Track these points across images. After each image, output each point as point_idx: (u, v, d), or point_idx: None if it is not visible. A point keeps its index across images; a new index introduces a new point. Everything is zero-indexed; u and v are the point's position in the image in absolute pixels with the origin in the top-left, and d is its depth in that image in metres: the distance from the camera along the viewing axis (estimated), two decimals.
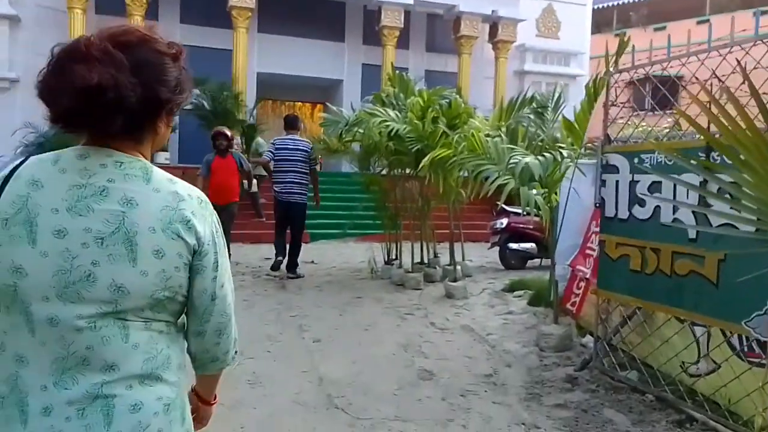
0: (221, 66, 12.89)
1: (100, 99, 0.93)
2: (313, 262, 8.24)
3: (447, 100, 6.04)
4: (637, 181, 3.58)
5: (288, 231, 6.78)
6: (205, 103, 12.21)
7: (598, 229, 4.29)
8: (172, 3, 13.59)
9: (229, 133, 7.27)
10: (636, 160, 3.58)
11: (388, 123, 5.59)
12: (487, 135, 4.79)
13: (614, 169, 3.71)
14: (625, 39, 3.70)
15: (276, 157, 6.65)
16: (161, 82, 1.02)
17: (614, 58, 3.67)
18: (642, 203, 3.52)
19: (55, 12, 12.03)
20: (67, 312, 0.96)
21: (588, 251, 4.60)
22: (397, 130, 5.53)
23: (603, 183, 3.81)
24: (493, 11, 14.69)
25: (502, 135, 4.69)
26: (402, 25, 14.02)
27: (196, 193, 1.08)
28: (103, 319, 0.98)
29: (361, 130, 5.68)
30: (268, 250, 7.53)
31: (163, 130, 1.11)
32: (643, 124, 5.16)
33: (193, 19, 13.73)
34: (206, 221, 1.07)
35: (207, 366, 1.19)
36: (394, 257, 7.16)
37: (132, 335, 1.01)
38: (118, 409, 0.98)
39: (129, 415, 0.99)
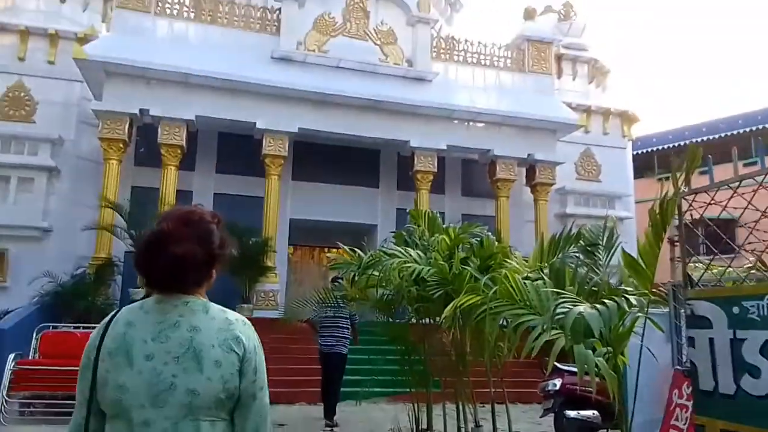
0: (254, 213, 12.71)
1: (183, 266, 1.50)
2: (334, 428, 7.08)
3: (478, 239, 5.22)
4: (742, 340, 2.54)
5: None
6: (233, 250, 11.77)
7: (684, 401, 3.14)
8: (208, 154, 13.87)
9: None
10: (736, 310, 2.57)
11: (408, 264, 4.75)
12: (526, 278, 3.87)
13: (705, 323, 2.71)
14: (696, 152, 2.88)
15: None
16: (213, 245, 1.58)
17: (684, 173, 2.82)
18: (756, 372, 2.45)
19: (93, 164, 12.31)
20: (157, 415, 1.41)
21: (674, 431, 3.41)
22: (419, 273, 4.67)
23: (690, 341, 2.77)
24: (528, 155, 14.42)
25: (545, 277, 3.75)
26: (436, 170, 13.80)
27: (241, 317, 1.59)
28: (183, 420, 1.42)
29: (376, 273, 4.85)
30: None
31: (214, 276, 1.63)
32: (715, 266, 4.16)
33: (227, 169, 13.90)
34: (250, 338, 1.55)
35: None
36: (425, 428, 5.92)
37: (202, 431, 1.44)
38: None
39: None
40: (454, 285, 4.54)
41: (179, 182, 12.52)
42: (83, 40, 12.64)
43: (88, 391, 1.48)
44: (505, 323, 3.78)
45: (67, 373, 7.41)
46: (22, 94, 12.63)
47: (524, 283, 3.62)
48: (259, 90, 12.47)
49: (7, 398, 7.26)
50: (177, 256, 1.48)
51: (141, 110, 11.90)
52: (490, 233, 5.38)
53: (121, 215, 11.36)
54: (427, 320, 5.76)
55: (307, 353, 10.28)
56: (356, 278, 5.26)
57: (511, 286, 3.50)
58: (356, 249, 5.58)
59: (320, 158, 14.53)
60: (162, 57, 11.94)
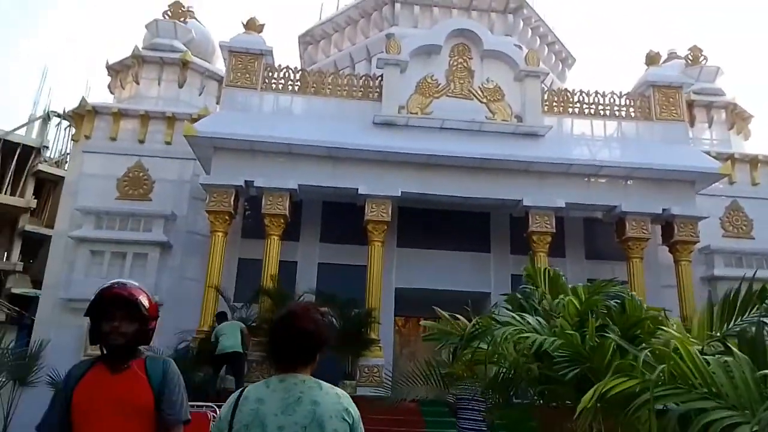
0: (358, 283, 12.05)
1: (306, 342, 2.00)
2: None
3: (617, 301, 3.99)
4: None
5: None
6: (334, 321, 11.08)
7: None
8: (313, 224, 13.60)
9: None
10: None
11: (526, 335, 3.63)
12: (701, 352, 2.65)
13: None
14: None
15: None
16: (323, 330, 2.05)
17: None
18: None
19: (203, 238, 12.41)
20: None
21: None
22: (541, 345, 3.52)
23: None
24: (664, 210, 12.62)
25: (737, 352, 2.50)
26: (553, 230, 12.43)
27: (343, 392, 2.03)
28: None
29: (484, 346, 3.77)
30: None
31: (317, 359, 2.06)
32: None
33: (331, 238, 13.52)
34: (355, 410, 1.98)
35: None
36: None
37: None
38: None
39: None
40: (591, 362, 3.34)
41: (285, 253, 12.25)
42: (197, 120, 13.17)
43: None
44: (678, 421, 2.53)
45: None
46: (141, 174, 13.26)
47: (705, 360, 2.41)
48: (360, 156, 12.12)
49: None
50: (303, 330, 1.98)
51: (246, 182, 11.92)
52: (633, 293, 4.13)
53: (221, 294, 11.20)
54: (556, 403, 4.51)
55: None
56: (458, 352, 4.17)
57: (688, 366, 2.30)
58: (458, 315, 4.53)
59: (426, 223, 13.76)
60: (266, 129, 12.03)
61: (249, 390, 1.95)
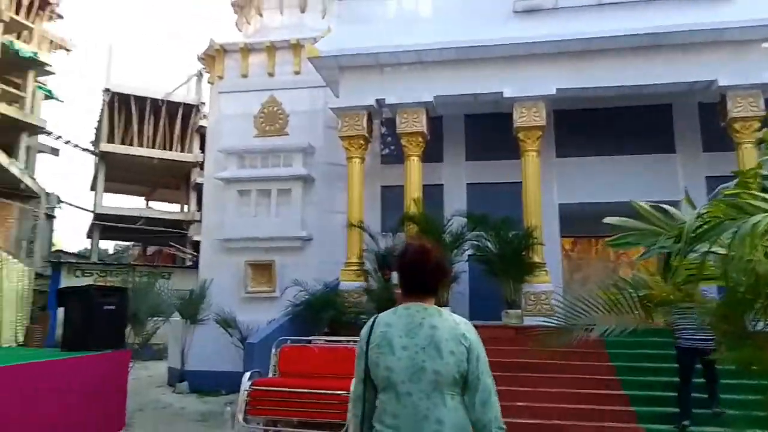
0: (513, 202, 10.61)
1: (434, 272, 2.21)
2: None
3: None
4: None
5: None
6: (489, 245, 9.84)
7: None
8: (456, 142, 12.25)
9: None
10: None
11: None
12: None
13: None
14: None
15: None
16: (447, 265, 2.34)
17: None
18: None
19: (342, 168, 11.73)
20: (415, 388, 2.05)
21: None
22: None
23: None
24: None
25: None
26: (764, 113, 9.70)
27: (463, 320, 2.18)
28: (433, 392, 2.04)
29: (717, 249, 2.27)
30: None
31: (439, 290, 2.29)
32: None
33: (478, 155, 12.10)
34: (471, 334, 2.14)
35: (483, 430, 2.08)
36: None
37: (447, 402, 2.05)
38: None
39: None
40: None
41: (429, 176, 11.15)
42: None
43: (361, 371, 2.20)
44: None
45: (303, 397, 6.36)
46: (275, 109, 12.86)
47: None
48: (502, 53, 10.35)
49: (244, 423, 6.51)
50: (432, 264, 2.21)
51: (377, 101, 10.87)
52: None
53: (358, 226, 10.46)
54: None
55: (596, 373, 7.70)
56: (671, 260, 2.63)
57: None
58: (665, 207, 2.99)
59: (589, 126, 11.71)
60: (392, 39, 10.77)
61: (380, 317, 2.25)
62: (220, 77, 13.43)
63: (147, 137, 26.57)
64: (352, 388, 2.36)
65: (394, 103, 10.72)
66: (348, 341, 7.55)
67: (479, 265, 10.08)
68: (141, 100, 26.29)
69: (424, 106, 10.68)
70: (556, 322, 5.57)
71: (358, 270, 10.51)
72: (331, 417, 6.29)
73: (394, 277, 7.45)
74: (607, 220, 3.46)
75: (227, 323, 10.98)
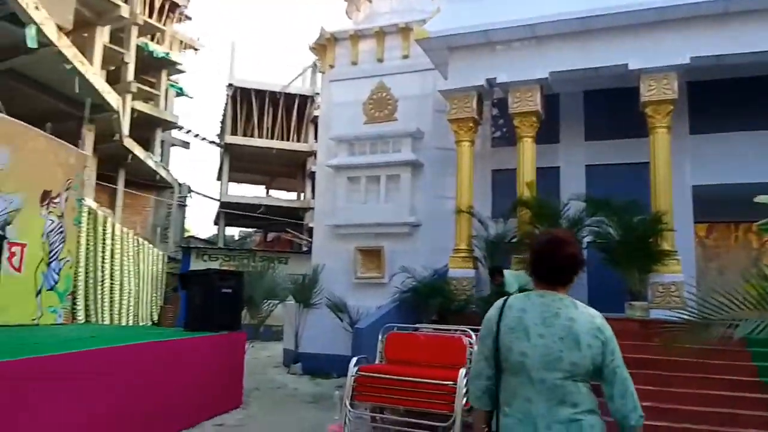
0: (638, 185, 9.72)
1: (569, 264, 2.23)
2: None
3: None
4: None
5: None
6: (611, 231, 9.07)
7: None
8: (574, 121, 11.43)
9: None
10: None
11: None
12: None
13: None
14: None
15: None
16: (582, 255, 2.28)
17: None
18: None
19: (451, 152, 11.39)
20: (549, 375, 2.09)
21: None
22: None
23: None
24: None
25: None
26: None
27: (599, 313, 2.22)
28: (567, 380, 2.09)
29: None
30: None
31: (574, 281, 2.27)
32: None
33: (599, 135, 11.20)
34: (606, 329, 2.17)
35: (622, 423, 2.14)
36: None
37: (581, 389, 2.11)
38: (584, 426, 2.08)
39: (590, 429, 2.08)
40: None
41: (544, 158, 10.52)
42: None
43: (488, 351, 2.25)
44: None
45: (408, 385, 6.21)
46: (384, 94, 12.79)
47: None
48: (626, 20, 9.42)
49: (351, 408, 6.48)
50: (568, 254, 2.22)
51: (488, 80, 10.37)
52: None
53: (467, 212, 10.08)
54: None
55: (733, 372, 6.80)
56: None
57: None
58: None
59: (730, 98, 10.41)
60: (504, 15, 10.21)
61: (512, 300, 2.27)
62: (331, 66, 13.59)
63: (266, 128, 27.85)
64: (473, 364, 2.41)
65: (506, 82, 10.18)
66: (456, 330, 7.29)
67: (599, 253, 9.32)
68: (261, 94, 27.56)
69: (538, 84, 10.03)
70: (688, 316, 4.92)
71: (467, 257, 10.17)
72: (437, 407, 6.08)
73: (510, 281, 6.94)
74: (759, 198, 2.92)
75: (338, 308, 11.15)
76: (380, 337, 7.29)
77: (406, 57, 12.79)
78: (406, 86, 12.61)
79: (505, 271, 8.93)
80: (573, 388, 2.09)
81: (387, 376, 6.36)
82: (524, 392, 2.12)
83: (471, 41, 10.39)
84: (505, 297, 2.31)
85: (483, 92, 10.65)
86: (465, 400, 5.99)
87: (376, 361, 7.13)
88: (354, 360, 6.69)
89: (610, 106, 10.97)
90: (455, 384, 5.96)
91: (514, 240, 9.92)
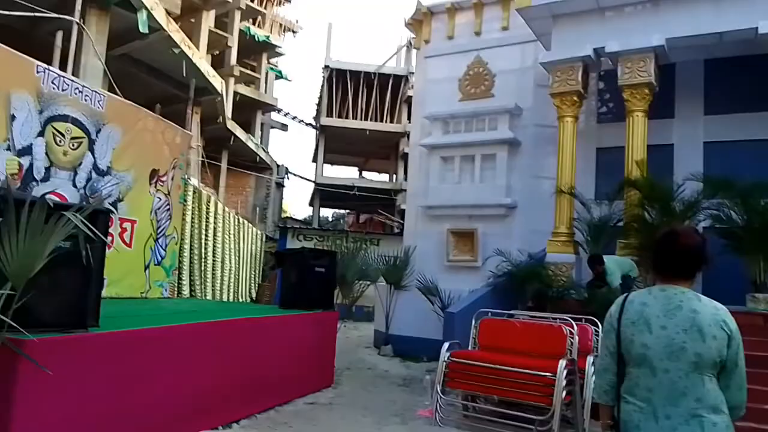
0: (762, 164, 8.68)
1: (689, 256, 2.25)
2: None
3: None
4: None
5: None
6: (734, 215, 8.14)
7: None
8: (692, 93, 10.36)
9: None
10: None
11: None
12: None
13: None
14: None
15: None
16: (705, 250, 2.28)
17: None
18: None
19: (552, 129, 10.74)
20: (673, 367, 2.12)
21: None
22: None
23: None
24: None
25: None
26: None
27: (723, 306, 2.21)
28: (692, 372, 2.10)
29: None
30: None
31: (696, 276, 2.29)
32: None
33: (719, 108, 10.09)
34: (731, 322, 2.17)
35: (733, 413, 2.16)
36: None
37: (706, 383, 2.11)
38: (706, 424, 2.07)
39: (712, 427, 2.07)
40: None
41: (655, 135, 9.63)
42: None
43: (612, 346, 2.32)
44: None
45: (503, 374, 5.91)
46: (481, 70, 12.26)
47: None
48: None
49: (442, 395, 6.28)
50: (688, 248, 2.25)
51: (595, 50, 9.59)
52: None
53: (567, 192, 9.44)
54: None
55: None
56: None
57: None
58: None
59: None
60: None
61: (633, 295, 2.34)
62: (426, 41, 13.24)
63: (360, 110, 28.00)
64: (598, 360, 2.53)
65: (616, 51, 9.34)
66: (554, 318, 6.86)
67: (717, 239, 8.41)
68: (355, 75, 27.69)
69: (652, 52, 9.13)
70: None
71: (566, 240, 9.58)
72: (535, 399, 5.74)
73: (612, 268, 6.33)
74: None
75: (429, 290, 10.94)
76: (474, 322, 7.00)
77: (505, 29, 12.17)
78: (504, 60, 12.02)
79: (606, 258, 8.28)
80: (697, 381, 2.11)
81: (481, 364, 6.08)
82: (646, 383, 2.18)
83: (577, 7, 9.63)
84: (626, 294, 2.39)
85: (589, 63, 9.89)
86: (564, 393, 5.62)
87: (469, 348, 6.86)
88: (446, 345, 6.47)
89: (737, 76, 9.83)
90: (554, 376, 5.58)
91: (620, 223, 9.20)
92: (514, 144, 11.49)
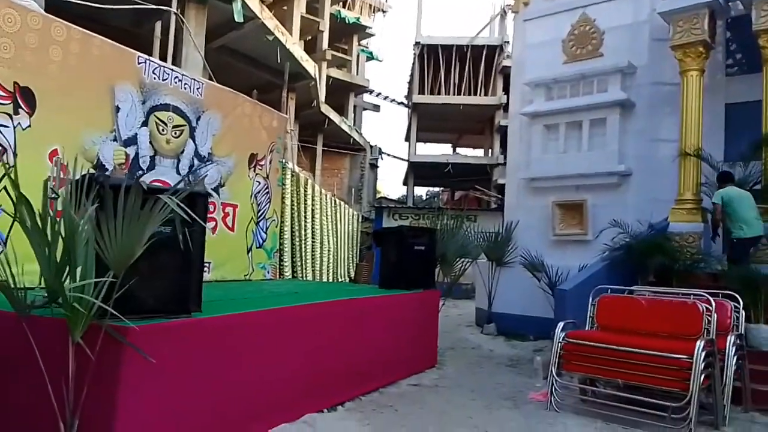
0: None
1: None
2: None
3: None
4: None
5: None
6: None
7: None
8: None
9: None
10: None
11: None
12: None
13: None
14: None
15: None
16: None
17: None
18: None
19: (672, 87, 9.65)
20: None
21: None
22: None
23: None
24: None
25: None
26: None
27: None
28: None
29: None
30: None
31: None
32: None
33: None
34: None
35: None
36: None
37: None
38: None
39: None
40: None
41: None
42: None
43: None
44: None
45: (628, 356, 5.33)
46: (587, 27, 11.24)
47: None
48: None
49: (557, 378, 5.77)
50: None
51: None
52: None
53: (693, 155, 8.41)
54: None
55: None
56: None
57: None
58: None
59: None
60: None
61: None
62: (525, 3, 12.37)
63: (453, 84, 27.29)
64: None
65: None
66: (685, 294, 6.10)
67: None
68: (447, 49, 26.98)
69: None
70: None
71: (693, 208, 8.59)
72: (668, 384, 5.10)
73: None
74: None
75: (534, 267, 10.32)
76: (591, 300, 6.39)
77: None
78: (614, 15, 10.92)
79: (738, 192, 7.45)
80: None
81: (605, 345, 5.49)
82: None
83: None
84: None
85: (716, 9, 8.74)
86: (703, 377, 4.95)
87: (587, 327, 6.27)
88: (561, 325, 5.93)
89: None
90: (691, 358, 4.91)
91: (757, 186, 8.11)
92: (627, 106, 10.46)
